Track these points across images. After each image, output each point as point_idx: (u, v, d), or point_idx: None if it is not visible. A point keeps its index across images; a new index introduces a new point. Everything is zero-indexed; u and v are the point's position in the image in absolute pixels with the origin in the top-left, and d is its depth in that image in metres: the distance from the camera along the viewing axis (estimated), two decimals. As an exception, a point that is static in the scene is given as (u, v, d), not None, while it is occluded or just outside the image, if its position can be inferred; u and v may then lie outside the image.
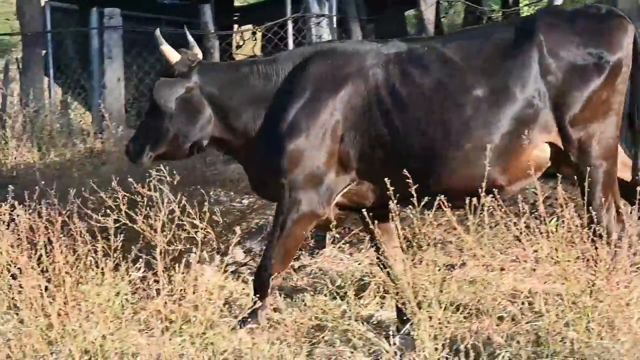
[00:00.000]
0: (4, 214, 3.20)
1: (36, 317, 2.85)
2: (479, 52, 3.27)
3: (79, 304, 2.84)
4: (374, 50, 3.33)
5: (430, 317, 2.65)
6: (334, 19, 6.37)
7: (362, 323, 3.04)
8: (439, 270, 2.79)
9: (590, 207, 2.94)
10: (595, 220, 2.84)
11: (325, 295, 3.55)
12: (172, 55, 3.46)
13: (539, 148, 3.18)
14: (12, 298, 3.04)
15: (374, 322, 3.27)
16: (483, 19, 8.55)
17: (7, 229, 3.16)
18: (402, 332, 2.88)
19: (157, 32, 3.52)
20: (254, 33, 10.17)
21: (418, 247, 2.83)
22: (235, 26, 11.65)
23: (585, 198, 2.92)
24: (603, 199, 3.02)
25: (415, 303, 2.68)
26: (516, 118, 3.14)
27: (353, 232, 4.14)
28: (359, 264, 4.08)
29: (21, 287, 2.92)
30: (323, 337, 3.02)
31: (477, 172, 3.04)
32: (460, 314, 2.76)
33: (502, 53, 3.23)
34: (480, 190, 2.88)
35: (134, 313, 2.96)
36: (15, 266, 3.09)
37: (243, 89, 3.47)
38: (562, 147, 3.14)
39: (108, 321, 2.78)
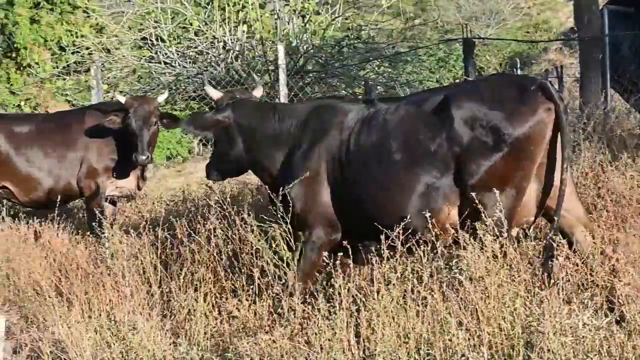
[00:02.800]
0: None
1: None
2: (408, 117, 4.82)
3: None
4: (357, 108, 5.17)
5: None
6: None
7: None
8: None
9: None
10: None
11: None
12: (214, 93, 5.92)
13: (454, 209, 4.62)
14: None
15: None
16: None
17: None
18: None
19: (205, 78, 6.16)
20: None
21: None
22: None
23: None
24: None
25: None
26: (426, 182, 4.62)
27: None
28: None
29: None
30: None
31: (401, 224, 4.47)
32: None
33: (422, 120, 4.72)
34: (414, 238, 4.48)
35: None
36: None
37: (264, 127, 5.51)
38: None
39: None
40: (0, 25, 17.60)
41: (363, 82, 12.74)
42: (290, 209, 5.02)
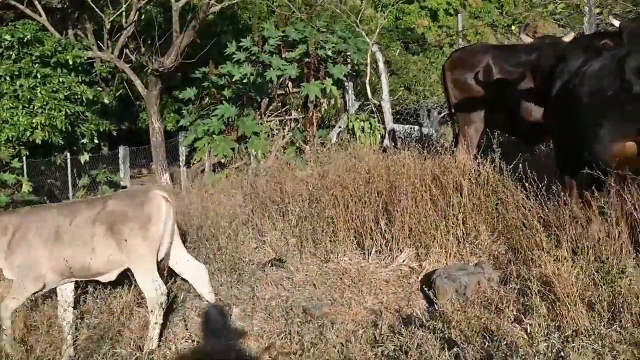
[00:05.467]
0: None
1: None
2: (603, 67, 6.68)
3: None
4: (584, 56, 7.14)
5: None
6: None
7: None
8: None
9: None
10: None
11: None
12: (526, 39, 8.26)
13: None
14: None
15: None
16: None
17: None
18: None
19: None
20: None
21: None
22: None
23: None
24: None
25: None
26: (608, 120, 6.38)
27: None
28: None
29: None
30: None
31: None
32: None
33: (610, 69, 6.52)
34: None
35: None
36: None
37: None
38: None
39: None
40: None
41: None
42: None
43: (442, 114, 16.55)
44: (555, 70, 7.28)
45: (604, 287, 5.39)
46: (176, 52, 17.72)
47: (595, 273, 5.61)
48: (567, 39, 7.70)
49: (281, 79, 14.72)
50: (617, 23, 8.12)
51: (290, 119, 15.24)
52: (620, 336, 4.85)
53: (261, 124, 14.60)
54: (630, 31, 7.80)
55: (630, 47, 6.64)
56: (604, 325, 5.06)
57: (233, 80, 14.61)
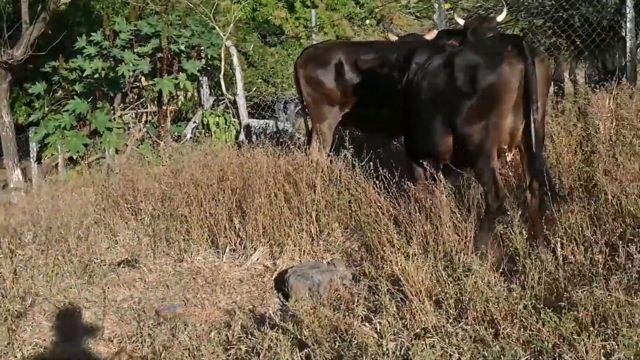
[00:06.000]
0: None
1: None
2: (439, 64, 6.80)
3: None
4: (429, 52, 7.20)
5: None
6: None
7: None
8: None
9: None
10: None
11: None
12: (393, 38, 8.32)
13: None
14: None
15: None
16: None
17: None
18: None
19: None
20: None
21: None
22: None
23: None
24: None
25: None
26: (438, 117, 6.72)
27: None
28: None
29: None
30: None
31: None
32: None
33: (445, 66, 6.73)
34: None
35: None
36: None
37: None
38: None
39: None
40: None
41: None
42: None
43: (299, 107, 16.57)
44: (406, 66, 7.38)
45: (450, 284, 5.43)
46: (26, 43, 16.90)
47: (443, 271, 5.65)
48: (430, 36, 7.90)
49: (135, 73, 14.35)
50: (462, 22, 8.35)
51: (147, 112, 14.90)
52: (465, 333, 4.89)
53: (114, 119, 14.20)
54: (474, 29, 8.06)
55: (464, 46, 6.94)
56: (450, 323, 5.10)
57: (84, 75, 14.10)
